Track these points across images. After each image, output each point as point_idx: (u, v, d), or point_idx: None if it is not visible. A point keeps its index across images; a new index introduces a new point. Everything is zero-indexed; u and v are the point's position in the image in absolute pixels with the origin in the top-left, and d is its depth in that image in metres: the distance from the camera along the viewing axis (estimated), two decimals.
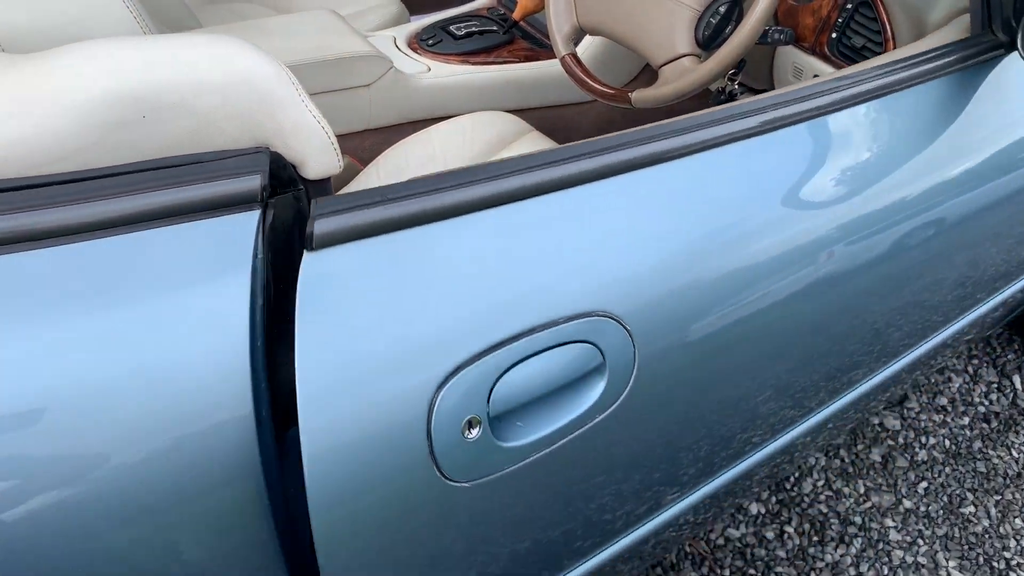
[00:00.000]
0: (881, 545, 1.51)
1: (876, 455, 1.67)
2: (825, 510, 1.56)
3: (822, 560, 1.48)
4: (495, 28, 1.62)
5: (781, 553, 1.49)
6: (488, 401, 0.59)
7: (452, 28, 1.58)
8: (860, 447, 1.68)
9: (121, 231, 0.48)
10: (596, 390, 0.65)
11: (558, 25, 1.35)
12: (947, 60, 0.92)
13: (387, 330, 0.55)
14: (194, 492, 0.51)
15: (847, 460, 1.66)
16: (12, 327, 0.45)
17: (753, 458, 0.92)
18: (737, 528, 1.52)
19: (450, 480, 0.58)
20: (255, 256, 0.51)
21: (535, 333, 0.60)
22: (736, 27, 1.20)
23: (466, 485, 0.59)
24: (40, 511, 0.46)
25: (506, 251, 0.60)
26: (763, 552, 1.48)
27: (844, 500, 1.58)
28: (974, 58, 0.95)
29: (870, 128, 0.87)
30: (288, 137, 0.56)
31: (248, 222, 0.52)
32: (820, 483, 1.61)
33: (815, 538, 1.52)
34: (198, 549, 0.53)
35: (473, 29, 1.59)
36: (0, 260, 0.46)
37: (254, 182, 0.52)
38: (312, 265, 0.54)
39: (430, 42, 1.55)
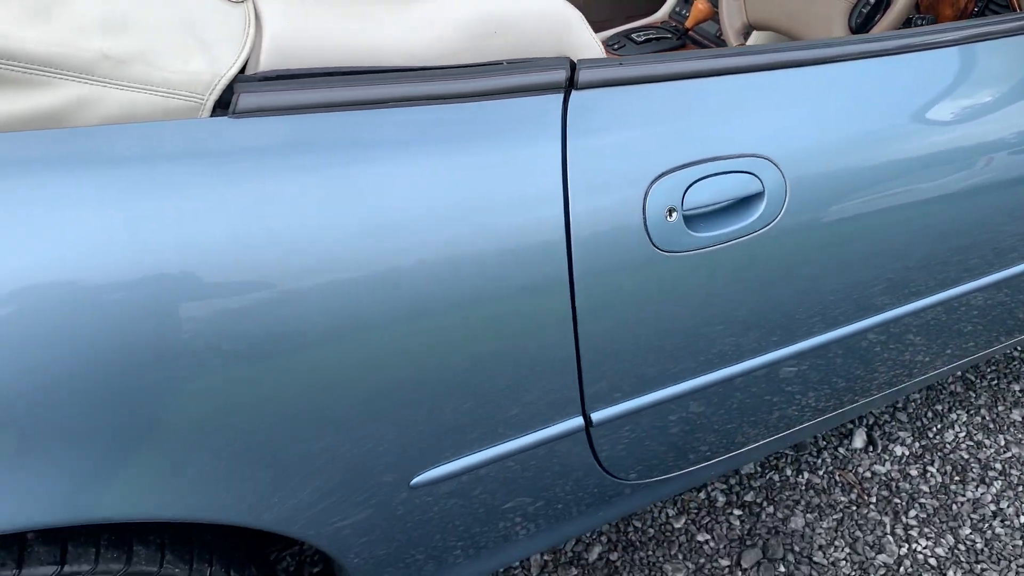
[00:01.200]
0: (1021, 488, 1.65)
1: (1016, 415, 1.81)
2: (966, 456, 1.72)
3: (963, 496, 1.63)
4: (669, 35, 1.93)
5: (924, 488, 1.65)
6: (683, 198, 0.86)
7: (634, 36, 1.91)
8: (1000, 408, 1.82)
9: (485, 99, 0.80)
10: (756, 212, 0.92)
11: (731, 22, 1.64)
12: None
13: (620, 142, 0.84)
14: (530, 288, 0.81)
15: (987, 418, 1.80)
16: (418, 159, 0.77)
17: (857, 327, 1.12)
18: (883, 465, 1.69)
19: (657, 248, 0.86)
20: (563, 122, 0.82)
21: (721, 160, 0.88)
22: (884, 15, 1.45)
23: (666, 254, 0.87)
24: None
25: (708, 104, 0.89)
26: (907, 486, 1.65)
27: (985, 450, 1.73)
28: None
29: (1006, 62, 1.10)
30: (578, 52, 0.88)
31: (557, 100, 0.83)
32: (961, 434, 1.76)
33: (956, 478, 1.67)
34: (516, 333, 0.82)
35: (651, 36, 1.91)
36: (423, 111, 0.78)
37: (561, 75, 0.83)
38: (576, 100, 0.84)
39: (616, 47, 1.88)
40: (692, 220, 0.88)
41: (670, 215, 0.86)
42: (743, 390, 1.08)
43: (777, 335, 1.03)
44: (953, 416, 1.80)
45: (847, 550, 1.53)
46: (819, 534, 1.55)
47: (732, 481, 1.64)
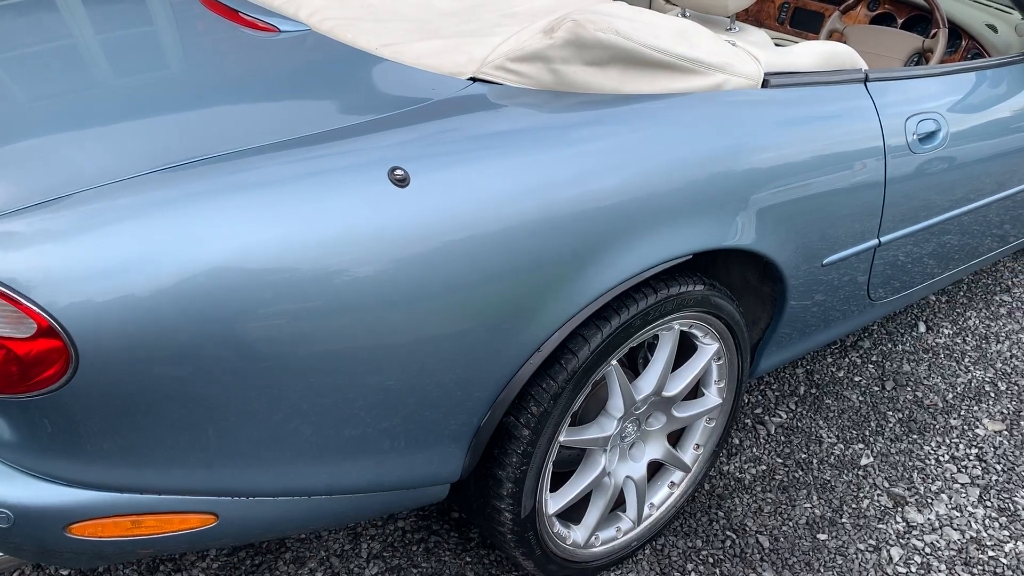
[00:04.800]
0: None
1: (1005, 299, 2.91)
2: (979, 336, 2.79)
3: (992, 348, 2.70)
4: None
5: (964, 361, 2.70)
6: (916, 127, 1.90)
7: None
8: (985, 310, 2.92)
9: (836, 85, 1.81)
10: (938, 138, 1.96)
11: None
12: None
13: (893, 102, 1.87)
14: (868, 161, 1.80)
15: (982, 312, 2.89)
16: None
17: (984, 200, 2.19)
18: (939, 339, 2.74)
19: (911, 151, 1.88)
20: (868, 94, 1.85)
21: (927, 112, 1.93)
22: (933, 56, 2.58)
23: (913, 153, 1.89)
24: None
25: (917, 87, 1.95)
26: (958, 348, 2.70)
27: (991, 325, 2.81)
28: None
29: None
30: (863, 65, 1.90)
31: (861, 86, 1.86)
32: (974, 321, 2.84)
33: (975, 346, 2.73)
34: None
35: None
36: (816, 88, 1.78)
37: (862, 75, 1.86)
38: (871, 86, 1.87)
39: None
40: (920, 139, 1.92)
41: (911, 135, 1.90)
42: (955, 230, 2.11)
43: (955, 197, 2.07)
44: (970, 312, 2.89)
45: (938, 377, 2.55)
46: (921, 371, 2.57)
47: (864, 349, 2.65)
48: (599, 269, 1.41)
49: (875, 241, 1.93)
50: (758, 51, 1.75)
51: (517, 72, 1.48)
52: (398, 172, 1.25)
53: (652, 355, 1.71)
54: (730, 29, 2.06)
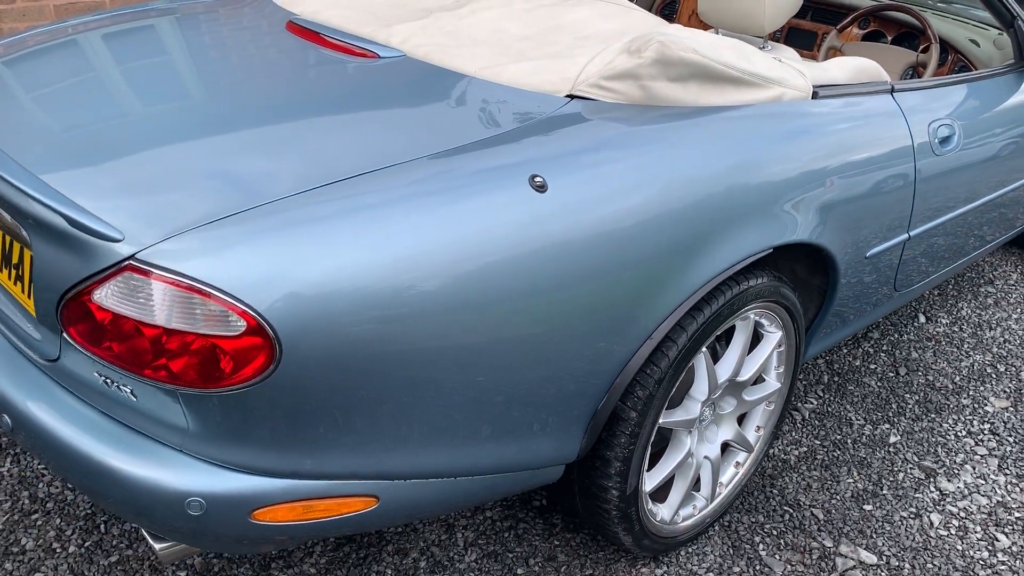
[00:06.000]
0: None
1: (989, 290, 3.16)
2: (975, 320, 3.03)
3: (986, 334, 2.93)
4: None
5: (964, 346, 2.94)
6: (937, 131, 2.11)
7: None
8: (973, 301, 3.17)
9: (872, 95, 2.02)
10: (953, 141, 2.18)
11: None
12: None
13: (916, 106, 2.08)
14: (901, 162, 2.00)
15: (972, 301, 3.13)
16: None
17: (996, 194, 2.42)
18: (938, 328, 2.97)
19: (934, 153, 2.09)
20: (895, 101, 2.06)
21: (942, 119, 2.15)
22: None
23: (936, 155, 2.10)
24: None
25: (929, 96, 2.16)
26: (956, 336, 2.93)
27: (984, 312, 3.06)
28: None
29: None
30: (887, 78, 2.11)
31: (887, 95, 2.07)
32: (967, 310, 3.08)
33: (971, 331, 2.97)
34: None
35: None
36: (854, 99, 1.98)
37: (888, 86, 2.07)
38: (897, 95, 2.08)
39: None
40: (940, 142, 2.14)
41: (934, 139, 2.11)
42: (966, 224, 2.33)
43: (967, 193, 2.29)
44: (961, 303, 3.13)
45: (944, 362, 2.77)
46: (928, 358, 2.79)
47: (874, 339, 2.86)
48: (705, 260, 1.58)
49: (906, 235, 2.13)
50: (800, 66, 1.94)
51: (610, 89, 1.64)
52: (538, 179, 1.39)
53: (720, 346, 1.88)
54: (763, 48, 2.26)
